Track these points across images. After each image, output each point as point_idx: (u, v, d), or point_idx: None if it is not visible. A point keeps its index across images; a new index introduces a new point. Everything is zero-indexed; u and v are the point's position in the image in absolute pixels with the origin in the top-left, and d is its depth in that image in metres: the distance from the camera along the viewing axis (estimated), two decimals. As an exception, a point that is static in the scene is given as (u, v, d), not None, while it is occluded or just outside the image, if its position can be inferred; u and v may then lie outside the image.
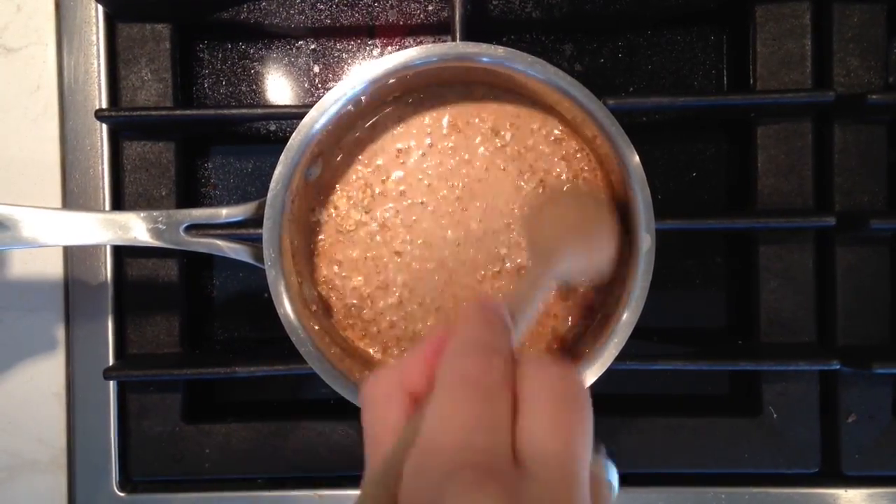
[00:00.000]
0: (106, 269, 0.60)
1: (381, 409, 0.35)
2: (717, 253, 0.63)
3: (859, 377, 0.57)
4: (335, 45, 0.63)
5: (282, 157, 0.50)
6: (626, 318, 0.50)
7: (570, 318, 0.56)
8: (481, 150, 0.55)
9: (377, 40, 0.63)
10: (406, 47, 0.55)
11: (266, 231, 0.50)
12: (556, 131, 0.55)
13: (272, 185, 0.50)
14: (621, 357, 0.50)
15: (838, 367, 0.54)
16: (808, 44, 0.57)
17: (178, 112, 0.59)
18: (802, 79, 0.57)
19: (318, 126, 0.50)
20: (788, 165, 0.57)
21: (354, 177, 0.56)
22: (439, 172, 0.56)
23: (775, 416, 0.58)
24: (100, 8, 0.59)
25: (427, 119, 0.56)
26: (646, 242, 0.49)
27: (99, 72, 0.59)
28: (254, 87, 0.64)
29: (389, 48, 0.63)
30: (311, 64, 0.63)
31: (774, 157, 0.58)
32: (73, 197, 0.60)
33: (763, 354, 0.57)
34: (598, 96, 0.50)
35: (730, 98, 0.59)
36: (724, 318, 0.63)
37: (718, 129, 0.63)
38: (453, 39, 0.55)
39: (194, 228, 0.53)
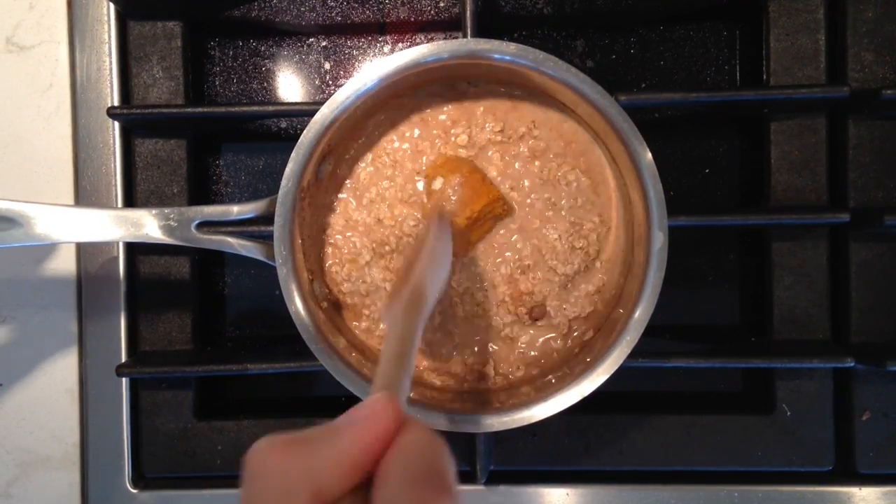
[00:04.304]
0: (118, 266, 0.60)
1: None
2: (731, 250, 0.62)
3: (873, 375, 0.57)
4: (346, 42, 0.63)
5: (293, 155, 0.50)
6: (639, 316, 0.49)
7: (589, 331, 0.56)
8: (495, 147, 0.55)
9: (388, 37, 0.63)
10: (417, 44, 0.55)
11: (277, 228, 0.50)
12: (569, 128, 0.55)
13: (283, 182, 0.50)
14: (634, 355, 0.49)
15: (852, 364, 0.54)
16: (821, 39, 0.57)
17: (189, 109, 0.59)
18: (816, 74, 0.57)
19: (328, 123, 0.50)
20: (802, 161, 0.57)
21: (365, 174, 0.56)
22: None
23: (789, 413, 0.57)
24: (112, 6, 0.59)
25: (439, 116, 0.56)
26: (658, 240, 0.49)
27: (111, 70, 0.60)
28: (265, 84, 0.64)
29: (400, 45, 0.63)
30: (322, 61, 0.63)
31: (788, 154, 0.57)
32: (86, 194, 0.61)
33: (776, 352, 0.56)
34: (609, 92, 0.49)
35: (743, 94, 0.58)
36: (737, 316, 0.62)
37: (731, 125, 0.62)
38: (464, 36, 0.55)
39: (206, 226, 0.53)
